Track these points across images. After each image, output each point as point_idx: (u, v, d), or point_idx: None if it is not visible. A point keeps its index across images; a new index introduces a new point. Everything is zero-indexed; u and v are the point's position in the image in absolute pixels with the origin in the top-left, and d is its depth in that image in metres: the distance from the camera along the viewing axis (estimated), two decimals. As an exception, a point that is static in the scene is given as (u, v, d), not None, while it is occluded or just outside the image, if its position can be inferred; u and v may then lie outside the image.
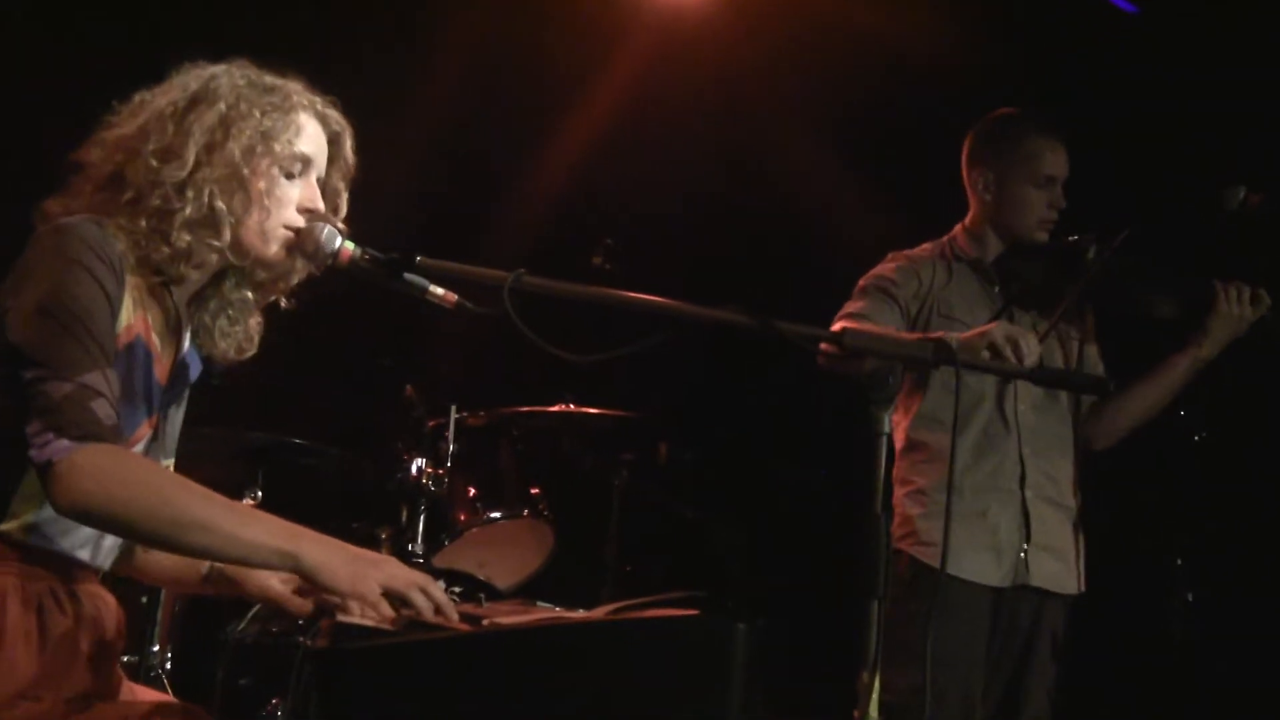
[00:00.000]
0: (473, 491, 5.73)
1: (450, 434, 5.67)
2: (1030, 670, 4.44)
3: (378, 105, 6.64)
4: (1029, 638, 4.45)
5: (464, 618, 2.63)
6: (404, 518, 5.58)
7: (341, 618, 2.59)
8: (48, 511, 2.57)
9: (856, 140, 5.98)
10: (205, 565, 3.10)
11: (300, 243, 2.85)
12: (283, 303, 3.06)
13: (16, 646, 2.59)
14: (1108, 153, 5.76)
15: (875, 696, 2.71)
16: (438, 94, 6.99)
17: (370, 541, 5.60)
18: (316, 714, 2.28)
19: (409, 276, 2.83)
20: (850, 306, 4.49)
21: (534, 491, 5.83)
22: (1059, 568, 4.48)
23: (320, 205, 2.90)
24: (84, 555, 2.75)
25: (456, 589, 4.87)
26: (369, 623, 2.55)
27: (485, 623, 2.50)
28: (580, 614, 2.49)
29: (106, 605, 2.84)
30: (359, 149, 3.05)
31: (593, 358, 2.87)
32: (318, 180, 2.92)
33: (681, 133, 7.09)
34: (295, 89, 2.90)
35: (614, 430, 6.16)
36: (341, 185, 3.00)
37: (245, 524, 2.56)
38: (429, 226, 6.84)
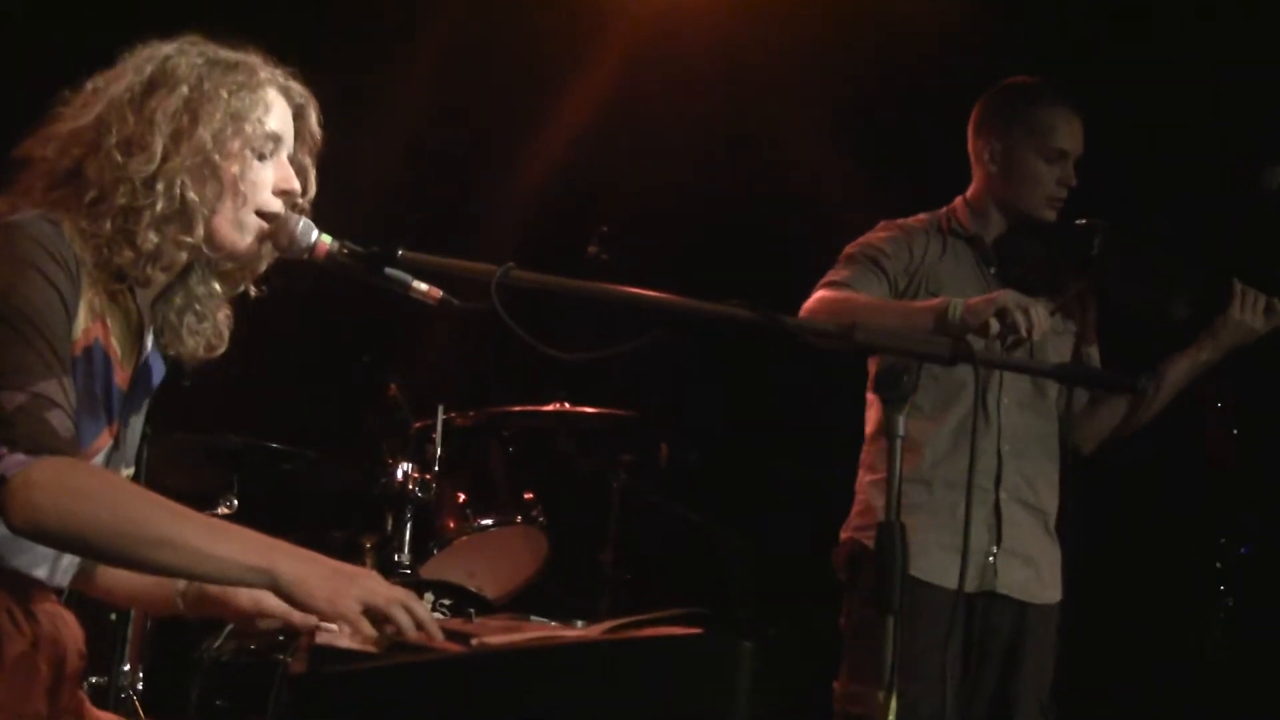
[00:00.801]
0: (462, 497, 5.74)
1: (437, 436, 5.65)
2: (1018, 681, 4.38)
3: (363, 89, 6.70)
4: (1012, 647, 4.38)
5: (451, 635, 2.60)
6: (389, 526, 5.58)
7: (321, 639, 2.56)
8: (2, 529, 2.51)
9: (859, 120, 5.96)
10: (180, 584, 3.03)
11: (274, 236, 2.79)
12: (252, 291, 2.99)
13: None
14: (1131, 133, 5.76)
15: (892, 717, 2.69)
16: (424, 77, 7.00)
17: (354, 551, 5.61)
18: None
19: (390, 271, 2.80)
20: (834, 274, 4.41)
21: (527, 496, 5.84)
22: (1028, 575, 4.41)
23: (295, 185, 2.84)
24: (40, 574, 2.72)
25: (445, 601, 4.86)
26: (351, 644, 2.52)
27: (473, 641, 2.47)
28: (575, 632, 2.46)
29: (66, 625, 2.81)
30: (336, 133, 3.00)
31: (584, 356, 2.85)
32: (288, 159, 2.87)
33: (678, 115, 7.09)
34: (257, 63, 2.83)
35: (612, 430, 6.14)
36: (308, 161, 2.93)
37: (215, 539, 2.51)
38: (416, 216, 6.86)
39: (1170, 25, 6.07)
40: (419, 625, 2.50)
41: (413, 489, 5.52)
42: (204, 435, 5.56)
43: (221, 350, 2.98)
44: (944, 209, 4.65)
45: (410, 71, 6.97)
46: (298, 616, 2.91)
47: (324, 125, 2.96)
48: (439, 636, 2.50)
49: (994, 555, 4.35)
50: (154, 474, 5.35)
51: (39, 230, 2.57)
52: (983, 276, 4.53)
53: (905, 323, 4.12)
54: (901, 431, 2.80)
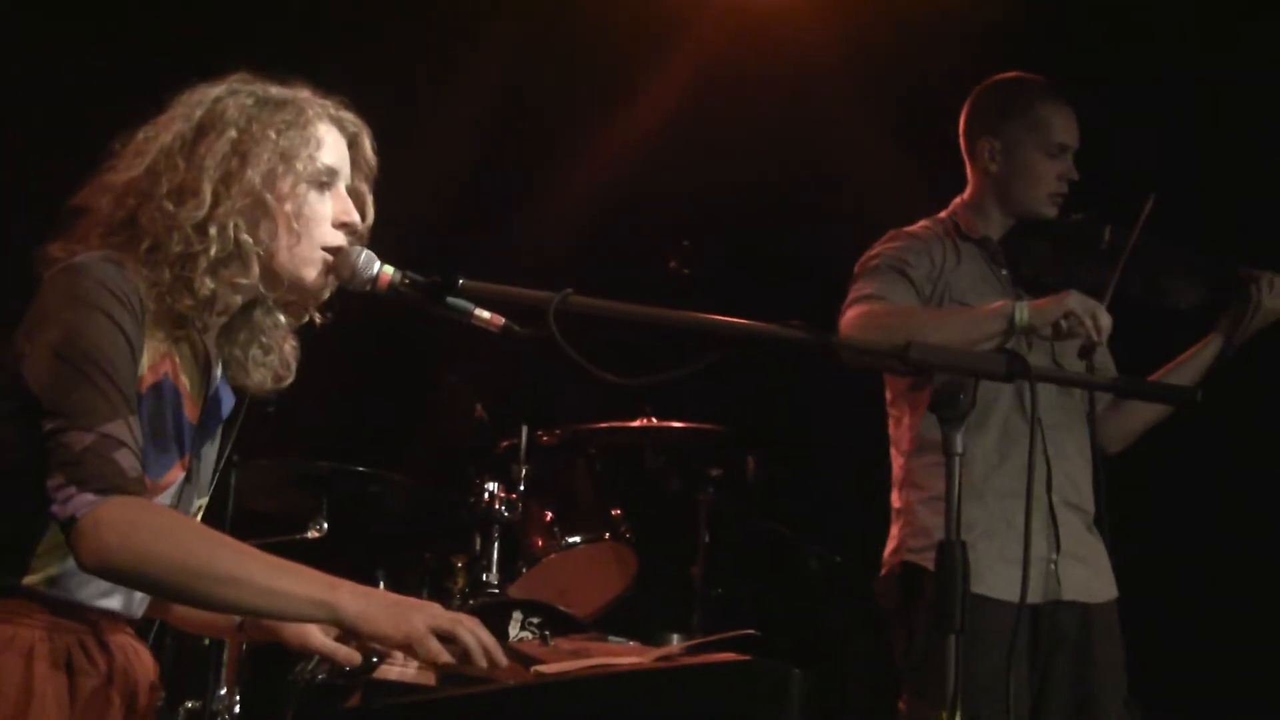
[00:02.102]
0: (549, 515, 5.74)
1: (522, 455, 5.67)
2: (1095, 683, 4.29)
3: (422, 104, 6.75)
4: (1081, 650, 4.29)
5: (518, 658, 2.63)
6: (478, 546, 5.59)
7: (378, 674, 2.59)
8: (72, 563, 2.55)
9: (927, 130, 5.92)
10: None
11: (336, 268, 2.80)
12: (316, 319, 3.00)
13: (45, 704, 2.58)
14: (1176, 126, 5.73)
15: (956, 736, 2.68)
16: (486, 92, 7.04)
17: (445, 571, 5.64)
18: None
19: (452, 301, 2.80)
20: (864, 288, 4.33)
21: (614, 513, 5.83)
22: (1088, 575, 4.33)
23: (355, 217, 2.85)
24: (114, 605, 2.74)
25: (534, 620, 4.88)
26: (406, 679, 2.55)
27: (533, 669, 2.49)
28: (630, 660, 2.46)
29: (139, 657, 2.83)
30: (395, 150, 3.02)
31: (640, 381, 2.86)
32: (344, 188, 2.88)
33: (750, 127, 7.08)
34: (305, 98, 2.85)
35: (699, 445, 6.14)
36: (365, 188, 2.94)
37: (278, 576, 2.54)
38: (480, 234, 6.90)
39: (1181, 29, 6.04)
40: (484, 649, 2.52)
41: (499, 508, 5.55)
42: (293, 460, 5.64)
43: (289, 380, 2.99)
44: (944, 214, 4.59)
45: (472, 86, 7.01)
46: (342, 654, 2.96)
47: (383, 144, 2.99)
48: (502, 660, 2.51)
49: (1055, 562, 4.26)
50: (244, 499, 5.49)
51: (102, 271, 2.60)
52: (997, 278, 4.46)
53: (970, 331, 4.05)
54: (960, 449, 2.78)
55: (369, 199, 2.95)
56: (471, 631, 2.52)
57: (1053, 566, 4.27)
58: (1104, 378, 4.21)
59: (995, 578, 4.13)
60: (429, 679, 2.58)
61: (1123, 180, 4.35)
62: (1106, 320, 3.96)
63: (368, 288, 2.81)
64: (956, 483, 2.76)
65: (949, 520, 2.76)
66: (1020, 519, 4.12)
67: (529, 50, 6.98)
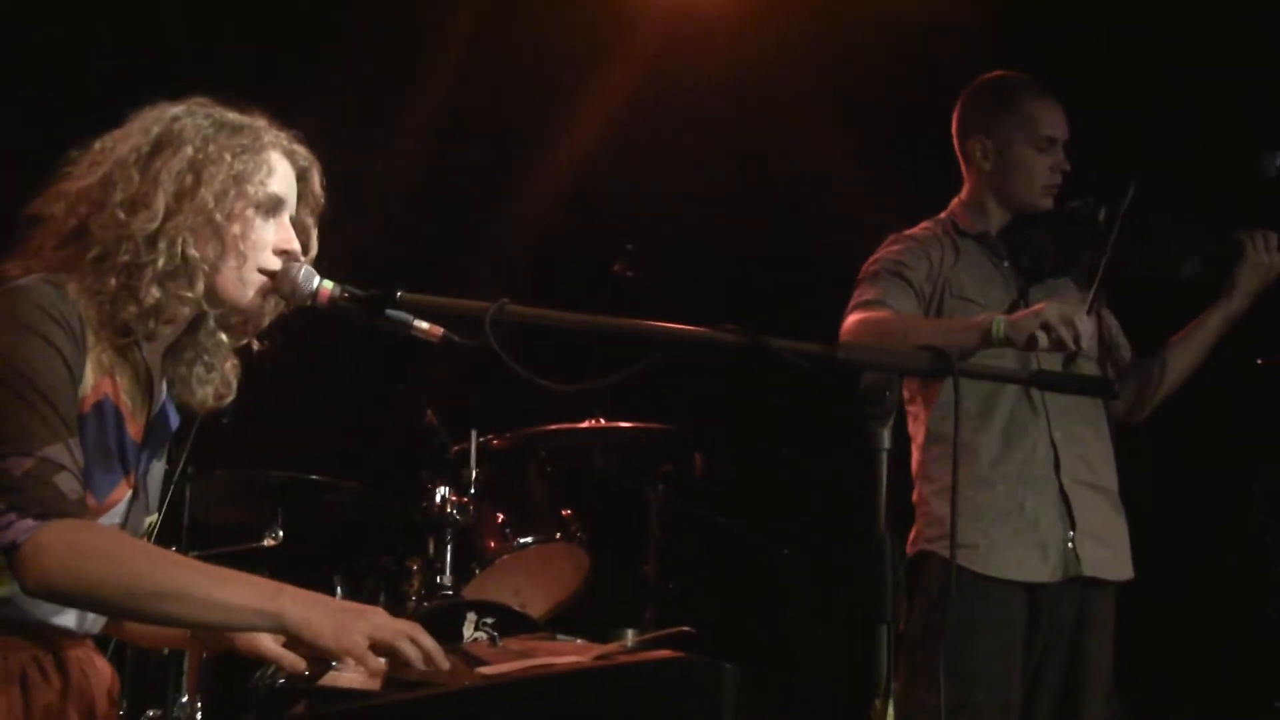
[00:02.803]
0: (501, 518, 5.77)
1: (473, 459, 5.71)
2: (1082, 675, 4.38)
3: (379, 113, 6.76)
4: (1075, 638, 4.38)
5: (467, 660, 2.67)
6: (431, 549, 5.62)
7: (326, 680, 2.63)
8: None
9: (872, 129, 5.99)
10: None
11: (277, 285, 2.85)
12: (254, 345, 3.04)
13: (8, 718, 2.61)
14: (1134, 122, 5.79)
15: (889, 721, 2.73)
16: (441, 98, 7.06)
17: (401, 575, 5.67)
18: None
19: (391, 313, 2.84)
20: (864, 294, 4.43)
21: (566, 513, 5.86)
22: (1108, 554, 4.41)
23: (296, 245, 2.88)
24: (68, 623, 2.76)
25: (488, 620, 4.92)
26: (353, 685, 2.58)
27: (478, 670, 2.53)
28: (569, 660, 2.51)
29: (96, 672, 2.86)
30: (353, 159, 3.05)
31: (574, 387, 2.88)
32: (290, 220, 2.92)
33: (694, 130, 7.11)
34: (262, 126, 2.89)
35: (648, 444, 6.17)
36: (311, 221, 2.99)
37: (222, 587, 2.55)
38: (434, 240, 6.92)
39: (1170, 21, 6.09)
40: (426, 656, 2.56)
41: (452, 512, 5.57)
42: (248, 471, 5.66)
43: (230, 398, 3.02)
44: (944, 214, 4.67)
45: (425, 93, 7.03)
46: (288, 660, 3.00)
47: (338, 158, 3.03)
48: (445, 665, 2.55)
49: (1071, 540, 4.34)
50: (200, 510, 5.51)
51: (40, 294, 2.62)
52: (999, 271, 4.55)
53: (949, 339, 4.06)
54: (888, 444, 2.83)
55: (314, 232, 3.01)
56: (411, 640, 2.55)
57: (1070, 545, 4.35)
58: (1023, 373, 4.27)
59: (1004, 561, 4.28)
60: (375, 684, 2.61)
61: (1112, 165, 4.39)
62: (1086, 326, 3.99)
63: (309, 302, 2.85)
64: (884, 477, 2.81)
65: (879, 513, 2.80)
66: (1031, 502, 4.32)
67: (480, 63, 7.00)
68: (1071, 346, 3.97)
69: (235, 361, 3.03)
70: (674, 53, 7.08)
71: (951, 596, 4.26)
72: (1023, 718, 4.35)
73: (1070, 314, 3.99)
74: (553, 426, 5.92)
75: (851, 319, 4.37)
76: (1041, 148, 4.51)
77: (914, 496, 4.54)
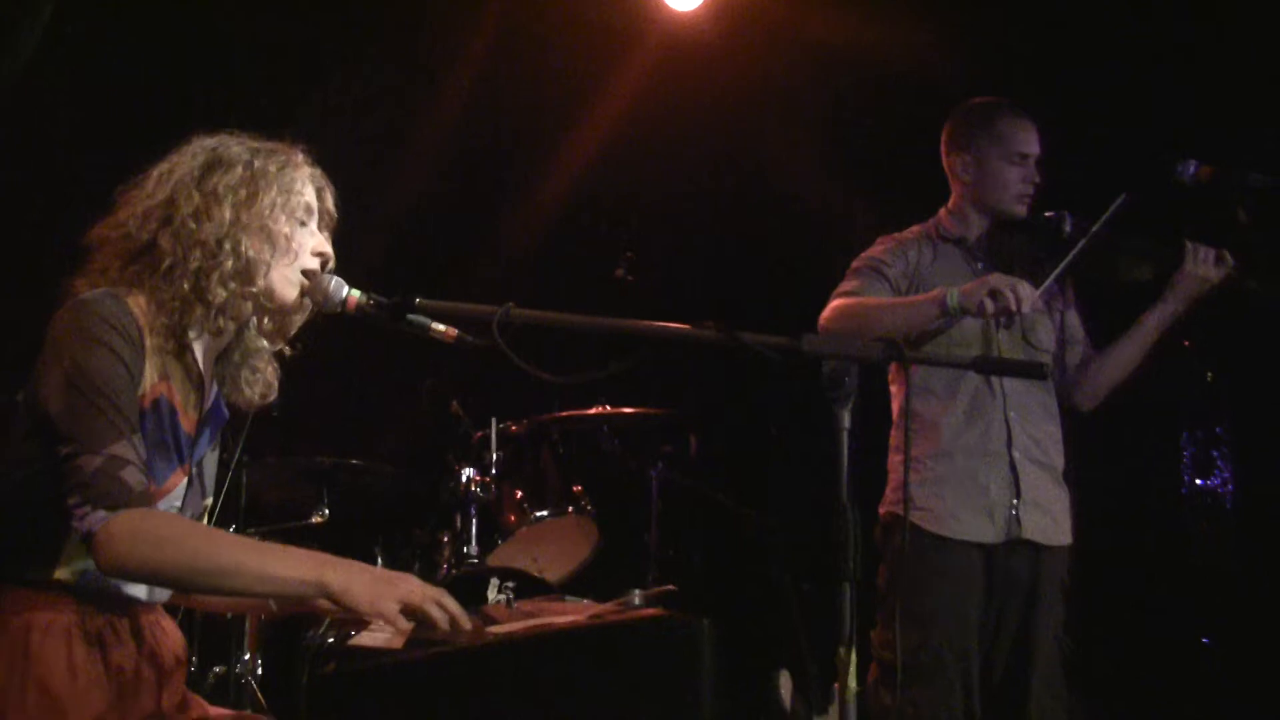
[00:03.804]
0: (519, 494, 5.76)
1: (494, 444, 5.72)
2: (1036, 620, 4.41)
3: (388, 130, 6.74)
4: (1031, 590, 4.42)
5: (484, 621, 2.68)
6: (459, 523, 5.63)
7: (355, 641, 2.64)
8: None
9: (850, 142, 6.00)
10: None
11: (311, 293, 2.90)
12: (286, 351, 3.08)
13: (85, 677, 2.64)
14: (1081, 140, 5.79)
15: (853, 670, 2.73)
16: (452, 117, 7.04)
17: (433, 546, 5.68)
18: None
19: (411, 317, 2.86)
20: (844, 286, 4.50)
21: (577, 489, 5.85)
22: (1047, 522, 4.45)
23: (329, 250, 2.96)
24: (139, 593, 2.80)
25: (510, 584, 4.92)
26: (377, 644, 2.60)
27: (489, 629, 2.54)
28: (567, 619, 2.51)
29: (166, 634, 2.89)
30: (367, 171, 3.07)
31: (572, 379, 2.91)
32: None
33: (687, 146, 7.09)
34: (289, 147, 2.96)
35: (648, 427, 6.18)
36: (326, 234, 3.02)
37: (272, 561, 2.60)
38: (446, 247, 6.91)
39: (1104, 53, 6.11)
40: (451, 618, 2.58)
41: (476, 490, 5.59)
42: (297, 458, 5.70)
43: (273, 398, 3.07)
44: (931, 220, 4.72)
45: (434, 110, 7.01)
46: (339, 612, 3.02)
47: (354, 173, 3.06)
48: (466, 625, 2.56)
49: (1015, 507, 4.39)
50: (255, 492, 5.52)
51: (103, 306, 2.66)
52: (972, 271, 4.57)
53: (913, 315, 4.24)
54: (848, 425, 2.83)
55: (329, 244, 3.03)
56: (436, 602, 2.59)
57: (1014, 511, 4.40)
58: (964, 358, 4.28)
59: (959, 524, 4.34)
60: (398, 643, 2.63)
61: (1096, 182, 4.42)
62: (1026, 290, 4.08)
63: (339, 309, 2.90)
64: (845, 454, 2.80)
65: (840, 485, 2.80)
66: (983, 473, 4.38)
67: (489, 87, 6.97)
68: (1013, 308, 4.05)
69: (275, 365, 3.07)
70: (668, 74, 7.06)
71: (907, 553, 4.32)
72: (985, 662, 4.38)
73: (1012, 280, 4.08)
74: (564, 413, 5.92)
75: (828, 308, 4.44)
76: (1014, 162, 4.54)
77: (888, 462, 4.59)
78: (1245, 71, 5.64)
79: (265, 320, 3.01)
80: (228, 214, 2.78)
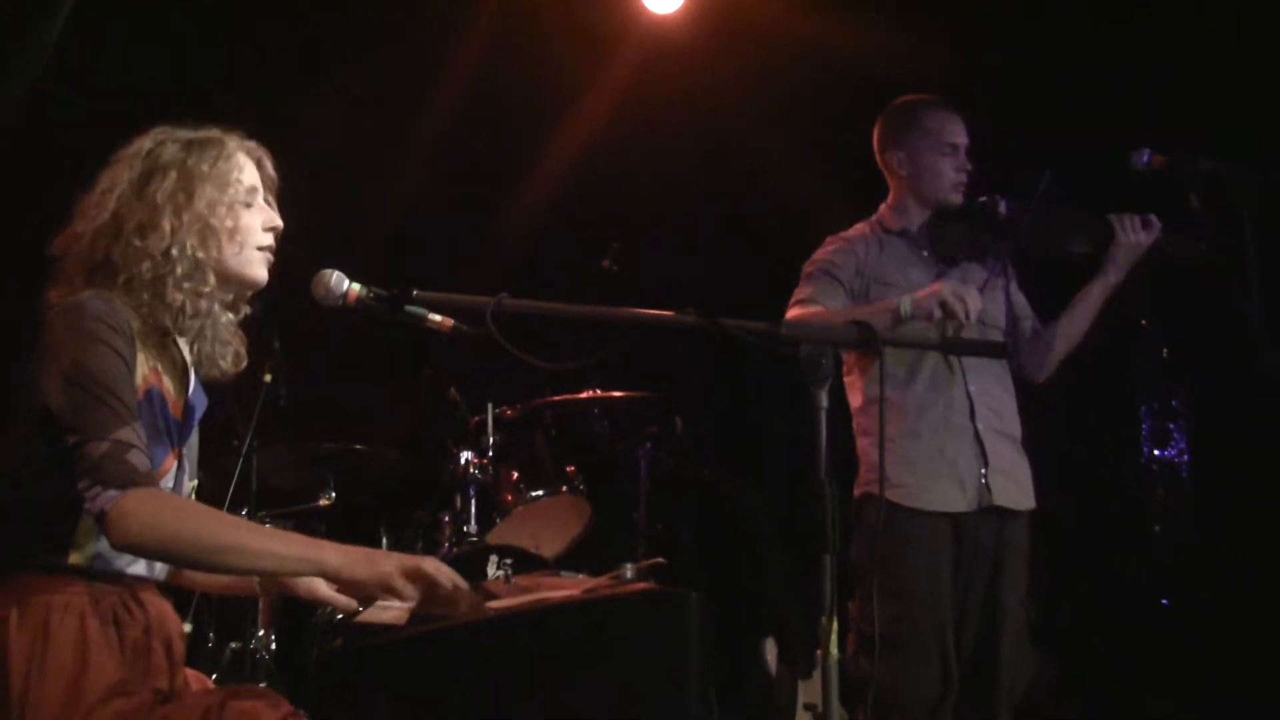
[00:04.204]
0: (515, 475, 5.75)
1: (490, 428, 5.71)
2: (1002, 586, 4.40)
3: (382, 127, 6.71)
4: (995, 557, 4.41)
5: (484, 595, 2.67)
6: (459, 504, 5.62)
7: (360, 618, 2.63)
8: (105, 542, 2.63)
9: (830, 137, 6.00)
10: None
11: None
12: (245, 310, 3.06)
13: (101, 653, 2.64)
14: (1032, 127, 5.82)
15: (834, 638, 2.72)
16: (444, 114, 7.02)
17: (435, 526, 5.67)
18: (335, 706, 2.31)
19: (409, 309, 2.86)
20: (800, 293, 4.50)
21: (570, 470, 5.84)
22: (1013, 488, 4.45)
23: (278, 222, 2.98)
24: (142, 571, 2.81)
25: (508, 560, 4.92)
26: (383, 621, 2.59)
27: (489, 605, 2.53)
28: (562, 594, 2.50)
29: (166, 610, 2.88)
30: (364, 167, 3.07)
31: (562, 366, 2.91)
32: (265, 203, 2.99)
33: (668, 141, 7.09)
34: (220, 135, 2.96)
35: (637, 410, 6.16)
36: (272, 199, 3.04)
37: (271, 542, 2.63)
38: (441, 241, 6.89)
39: (1070, 50, 6.13)
40: (450, 581, 2.58)
41: (474, 472, 5.58)
42: (304, 443, 5.69)
43: (245, 364, 3.06)
44: (874, 217, 4.71)
45: (426, 109, 6.98)
46: (340, 601, 3.02)
47: (350, 168, 3.04)
48: (464, 585, 2.58)
49: (985, 476, 4.39)
50: (265, 477, 5.51)
51: (95, 307, 2.69)
52: (919, 260, 4.57)
53: (871, 323, 4.15)
54: (825, 404, 2.82)
55: (274, 206, 3.04)
56: (433, 565, 2.59)
57: (983, 480, 4.39)
58: (931, 341, 4.31)
59: (929, 495, 4.33)
60: (402, 620, 2.62)
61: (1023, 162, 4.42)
62: (974, 301, 4.09)
63: (340, 303, 2.88)
64: (824, 432, 2.79)
65: (819, 462, 2.79)
66: (951, 447, 4.37)
67: (478, 80, 6.95)
68: (963, 319, 4.07)
69: (241, 334, 3.06)
70: (651, 74, 7.08)
71: (880, 530, 4.30)
72: (957, 630, 4.38)
73: (962, 290, 4.10)
74: (556, 398, 5.91)
75: (790, 315, 4.44)
76: (945, 153, 4.54)
77: (857, 449, 4.56)
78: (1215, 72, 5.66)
79: (238, 290, 3.01)
80: (168, 223, 2.79)
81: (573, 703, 2.27)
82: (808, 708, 5.06)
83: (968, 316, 4.07)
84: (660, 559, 2.72)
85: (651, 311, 2.87)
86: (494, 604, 2.51)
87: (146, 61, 6.12)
